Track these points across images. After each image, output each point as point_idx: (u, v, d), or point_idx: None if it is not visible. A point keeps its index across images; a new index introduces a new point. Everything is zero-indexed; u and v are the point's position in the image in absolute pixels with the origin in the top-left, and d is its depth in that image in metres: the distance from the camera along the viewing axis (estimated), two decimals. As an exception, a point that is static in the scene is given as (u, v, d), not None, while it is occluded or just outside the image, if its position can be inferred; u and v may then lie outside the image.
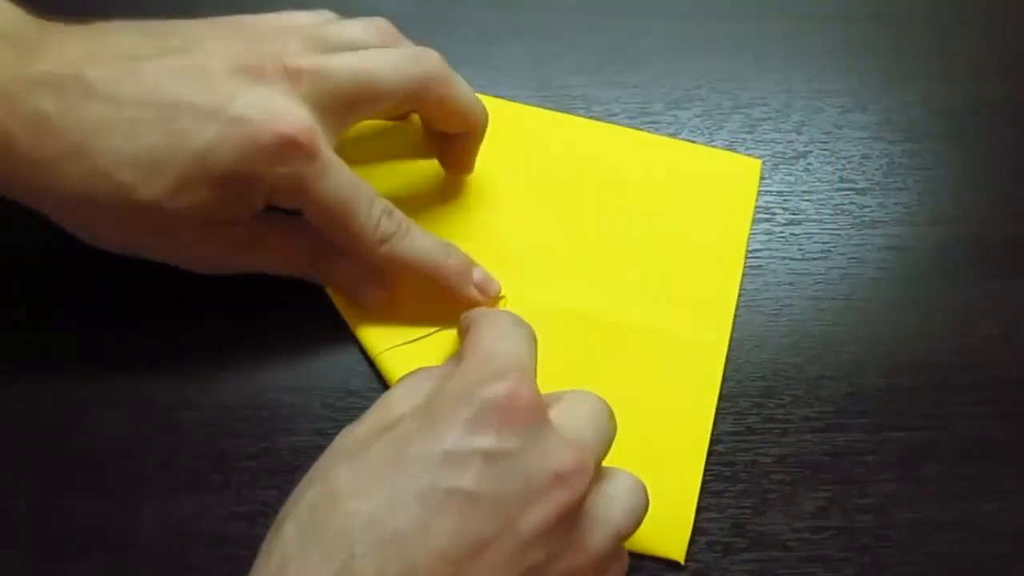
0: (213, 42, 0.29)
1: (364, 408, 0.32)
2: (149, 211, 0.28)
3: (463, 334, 0.29)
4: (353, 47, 0.31)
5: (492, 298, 0.33)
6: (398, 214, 0.31)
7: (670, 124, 0.39)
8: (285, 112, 0.28)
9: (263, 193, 0.29)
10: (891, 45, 0.42)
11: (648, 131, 0.38)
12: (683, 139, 0.38)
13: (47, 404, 0.32)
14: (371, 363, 0.33)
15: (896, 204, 0.38)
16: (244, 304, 0.33)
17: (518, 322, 0.28)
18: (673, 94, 0.40)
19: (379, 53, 0.31)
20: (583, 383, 0.30)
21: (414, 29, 0.37)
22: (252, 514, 0.31)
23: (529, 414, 0.24)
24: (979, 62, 0.41)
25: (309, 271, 0.33)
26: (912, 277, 0.36)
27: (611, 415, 0.28)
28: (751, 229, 0.36)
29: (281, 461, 0.31)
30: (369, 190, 0.30)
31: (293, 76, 0.29)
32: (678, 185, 0.37)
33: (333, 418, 0.32)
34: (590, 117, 0.39)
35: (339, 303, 0.33)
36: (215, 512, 0.31)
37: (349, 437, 0.26)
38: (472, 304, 0.32)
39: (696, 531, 0.31)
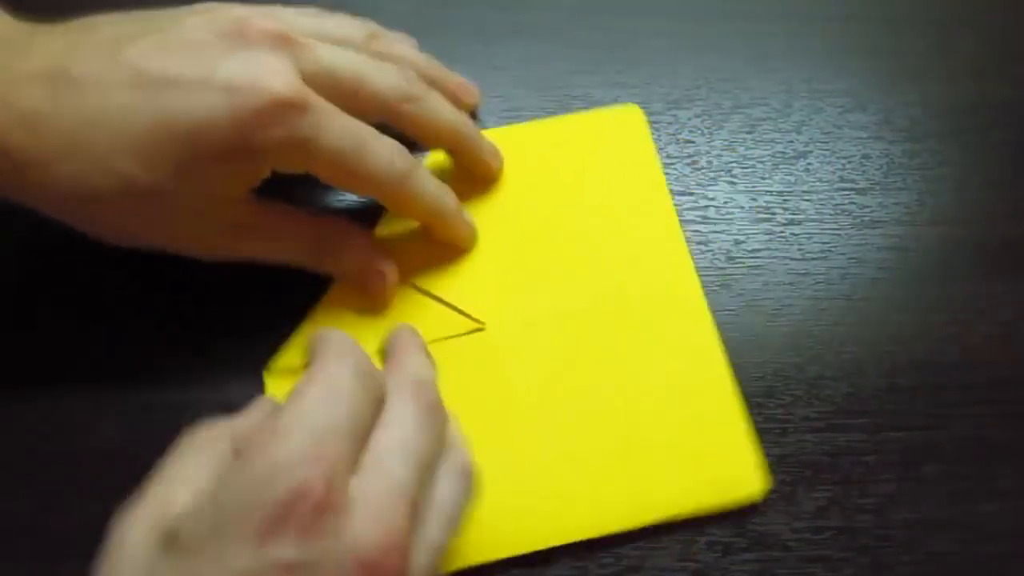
0: (194, 18, 0.29)
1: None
2: (153, 197, 0.27)
3: (308, 359, 0.26)
4: (340, 44, 0.31)
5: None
6: (406, 151, 0.31)
7: (670, 124, 0.39)
8: (271, 72, 0.28)
9: (265, 160, 0.28)
10: (891, 45, 0.42)
11: (648, 131, 0.38)
12: (683, 138, 0.39)
13: (47, 404, 0.32)
14: None
15: (896, 204, 0.38)
16: (245, 304, 0.33)
17: (355, 358, 0.24)
18: (673, 94, 0.40)
19: (367, 56, 0.31)
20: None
21: (414, 29, 0.37)
22: (252, 514, 0.31)
23: (325, 510, 0.21)
24: (979, 62, 0.41)
25: (312, 259, 0.32)
26: (912, 277, 0.36)
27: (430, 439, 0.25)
28: (666, 172, 0.37)
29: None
30: (371, 129, 0.30)
31: (277, 41, 0.28)
32: (578, 161, 0.37)
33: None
34: (590, 117, 0.39)
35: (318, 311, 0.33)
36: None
37: (129, 545, 0.22)
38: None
39: (696, 531, 0.31)
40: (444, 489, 0.25)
